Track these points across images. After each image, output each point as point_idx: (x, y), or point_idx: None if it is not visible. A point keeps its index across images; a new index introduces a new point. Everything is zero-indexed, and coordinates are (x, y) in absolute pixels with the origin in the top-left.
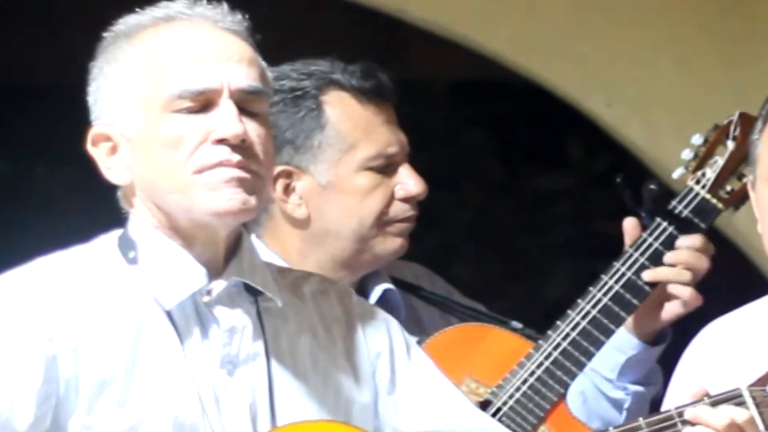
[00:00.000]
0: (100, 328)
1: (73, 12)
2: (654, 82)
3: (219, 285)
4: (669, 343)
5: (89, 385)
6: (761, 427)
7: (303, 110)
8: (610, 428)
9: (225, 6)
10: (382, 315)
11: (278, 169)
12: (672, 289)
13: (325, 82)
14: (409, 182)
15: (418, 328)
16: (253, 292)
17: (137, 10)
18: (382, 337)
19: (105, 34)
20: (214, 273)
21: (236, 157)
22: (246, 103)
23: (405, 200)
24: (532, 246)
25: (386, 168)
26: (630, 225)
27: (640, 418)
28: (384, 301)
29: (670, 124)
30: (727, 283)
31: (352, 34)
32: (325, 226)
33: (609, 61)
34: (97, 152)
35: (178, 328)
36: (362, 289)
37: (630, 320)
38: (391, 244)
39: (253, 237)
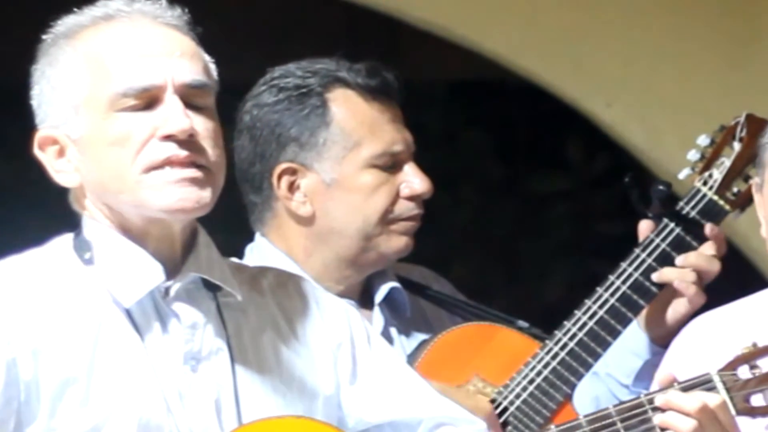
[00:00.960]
0: (58, 330)
1: (71, 10)
2: (654, 82)
3: (177, 282)
4: None
5: (50, 387)
6: (732, 411)
7: (308, 108)
8: (580, 415)
9: (163, 1)
10: (342, 305)
11: (283, 166)
12: (677, 285)
13: (330, 80)
14: (414, 180)
15: (425, 327)
16: (212, 288)
17: (75, 10)
18: (342, 328)
19: (44, 36)
20: (171, 269)
21: (184, 153)
22: (191, 97)
23: (410, 198)
24: (531, 246)
25: (391, 166)
26: (645, 227)
27: (610, 406)
28: (390, 300)
29: (671, 124)
30: (728, 284)
31: (351, 35)
32: (330, 224)
33: (609, 61)
34: (44, 156)
35: (138, 326)
36: (368, 287)
37: (644, 323)
38: (396, 242)
39: (258, 235)
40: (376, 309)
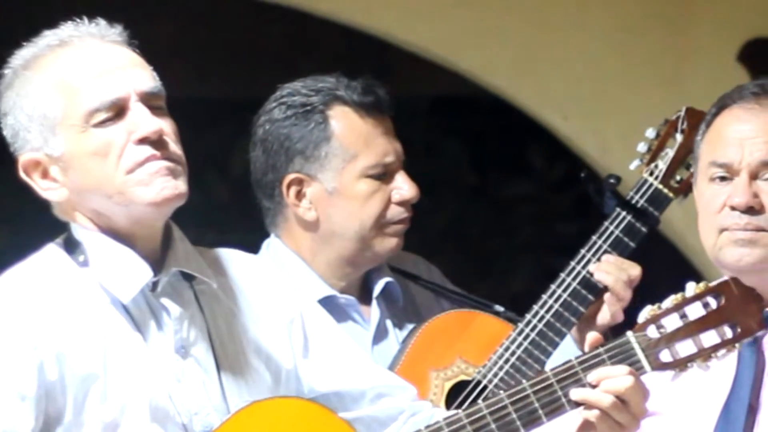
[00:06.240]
0: (74, 332)
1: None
2: (604, 98)
3: (163, 276)
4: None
5: (74, 386)
6: (647, 367)
7: (312, 123)
8: (524, 381)
9: (102, 21)
10: (290, 283)
11: (291, 176)
12: (606, 296)
13: (331, 98)
14: (404, 187)
15: (415, 314)
16: (188, 278)
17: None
18: (293, 304)
19: (4, 71)
20: (154, 265)
21: (159, 151)
22: (151, 102)
23: (400, 204)
24: (500, 245)
25: (384, 175)
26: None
27: (548, 370)
28: (386, 292)
29: (618, 135)
30: (664, 280)
31: (346, 55)
32: (331, 228)
33: (565, 79)
34: (30, 179)
35: (137, 322)
36: (366, 282)
37: (575, 330)
38: (388, 243)
39: (273, 236)
40: (374, 302)
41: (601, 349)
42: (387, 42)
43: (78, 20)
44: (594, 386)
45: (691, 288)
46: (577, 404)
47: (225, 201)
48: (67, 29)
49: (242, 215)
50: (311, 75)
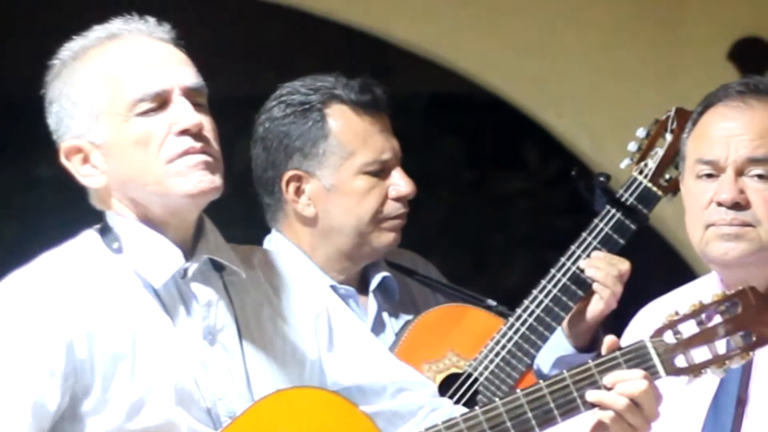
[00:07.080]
0: (105, 313)
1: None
2: (598, 96)
3: (194, 264)
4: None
5: (103, 365)
6: (662, 372)
7: (310, 121)
8: (541, 381)
9: (152, 19)
10: (315, 279)
11: (290, 173)
12: (596, 288)
13: (328, 97)
14: (400, 183)
15: (412, 308)
16: (218, 268)
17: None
18: (319, 300)
19: (52, 62)
20: (186, 253)
21: (198, 144)
22: (193, 97)
23: (397, 200)
24: (495, 240)
25: (381, 172)
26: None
27: (564, 371)
28: (382, 287)
29: (611, 133)
30: (656, 272)
31: (346, 53)
32: (330, 224)
33: (560, 78)
34: (70, 164)
35: (167, 306)
36: (364, 276)
37: (565, 324)
38: (385, 238)
39: (274, 231)
40: (371, 295)
41: (617, 353)
42: (385, 41)
43: (128, 16)
44: (609, 389)
45: (709, 295)
46: (592, 405)
47: (227, 197)
48: (116, 23)
49: (244, 211)
50: (310, 73)
